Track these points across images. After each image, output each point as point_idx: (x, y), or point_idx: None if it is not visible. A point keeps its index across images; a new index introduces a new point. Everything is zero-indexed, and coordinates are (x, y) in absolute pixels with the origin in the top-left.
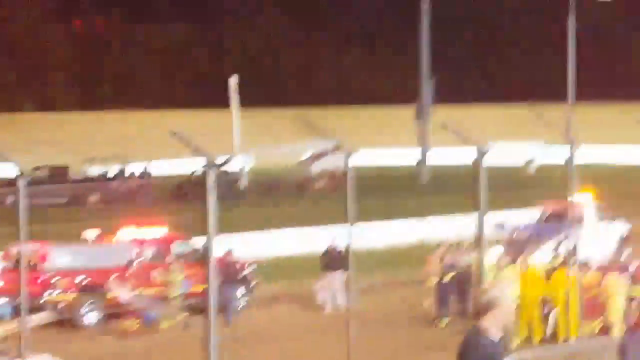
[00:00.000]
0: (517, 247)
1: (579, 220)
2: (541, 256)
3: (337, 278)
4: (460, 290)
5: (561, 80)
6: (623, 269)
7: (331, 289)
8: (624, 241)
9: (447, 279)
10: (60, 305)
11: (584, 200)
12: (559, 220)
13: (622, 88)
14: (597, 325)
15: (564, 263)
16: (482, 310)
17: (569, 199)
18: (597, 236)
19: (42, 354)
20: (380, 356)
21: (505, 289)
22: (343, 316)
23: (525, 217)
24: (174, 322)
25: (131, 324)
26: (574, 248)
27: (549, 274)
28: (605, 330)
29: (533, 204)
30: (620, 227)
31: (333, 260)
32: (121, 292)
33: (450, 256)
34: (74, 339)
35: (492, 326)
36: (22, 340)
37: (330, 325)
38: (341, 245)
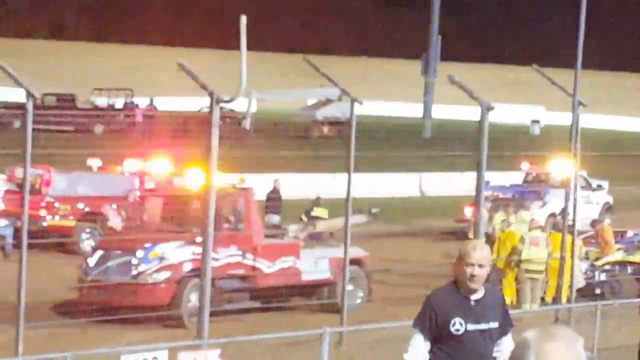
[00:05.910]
0: (500, 206)
1: (562, 185)
2: (529, 217)
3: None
4: None
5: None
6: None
7: None
8: (607, 210)
9: None
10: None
11: (569, 165)
12: (540, 183)
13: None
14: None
15: (559, 228)
16: None
17: (554, 162)
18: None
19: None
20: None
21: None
22: None
23: (509, 177)
24: None
25: None
26: (572, 212)
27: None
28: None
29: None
30: (605, 196)
31: (273, 204)
32: (114, 221)
33: None
34: (66, 266)
35: None
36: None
37: None
38: (281, 191)
